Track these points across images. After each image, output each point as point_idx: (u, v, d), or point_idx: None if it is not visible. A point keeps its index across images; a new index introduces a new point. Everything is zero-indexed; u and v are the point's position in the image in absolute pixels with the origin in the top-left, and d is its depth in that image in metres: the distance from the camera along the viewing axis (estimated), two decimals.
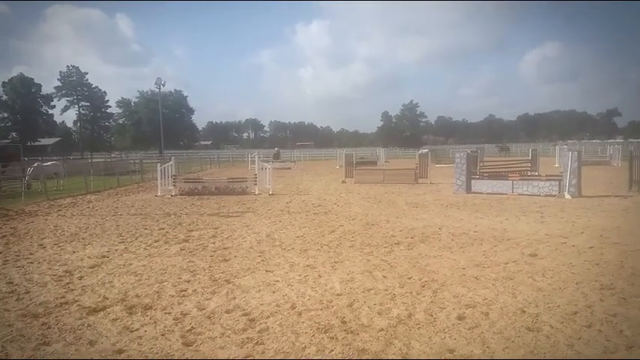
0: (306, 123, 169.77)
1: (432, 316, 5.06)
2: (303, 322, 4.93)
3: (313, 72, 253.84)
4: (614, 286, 5.96)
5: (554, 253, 7.77)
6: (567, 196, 14.95)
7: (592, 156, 38.78)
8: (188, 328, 4.88)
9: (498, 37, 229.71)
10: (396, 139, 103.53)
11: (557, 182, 15.67)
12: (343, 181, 22.86)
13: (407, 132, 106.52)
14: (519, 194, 15.96)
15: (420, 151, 26.08)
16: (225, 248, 8.64)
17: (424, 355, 4.17)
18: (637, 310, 5.09)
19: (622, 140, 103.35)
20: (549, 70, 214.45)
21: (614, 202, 13.98)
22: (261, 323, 4.95)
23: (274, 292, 5.96)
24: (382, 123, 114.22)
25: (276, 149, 54.30)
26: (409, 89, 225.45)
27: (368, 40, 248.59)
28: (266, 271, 7.01)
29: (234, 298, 5.79)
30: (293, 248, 8.53)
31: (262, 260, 7.67)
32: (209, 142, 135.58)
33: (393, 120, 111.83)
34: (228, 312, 5.30)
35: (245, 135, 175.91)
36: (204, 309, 5.42)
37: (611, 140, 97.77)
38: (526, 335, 4.51)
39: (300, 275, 6.72)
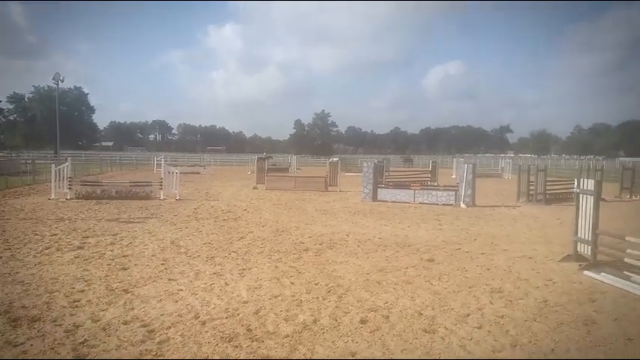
0: (218, 127, 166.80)
1: (336, 320, 5.18)
2: (206, 332, 4.80)
3: (226, 75, 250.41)
4: (502, 289, 6.51)
5: (450, 259, 8.32)
6: (463, 206, 16.10)
7: (486, 169, 42.07)
8: (80, 340, 4.54)
9: (406, 54, 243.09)
10: (308, 146, 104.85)
11: (454, 192, 16.82)
12: (255, 187, 22.68)
13: (318, 140, 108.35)
14: (420, 203, 16.89)
15: (330, 160, 26.61)
16: (124, 256, 8.16)
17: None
18: (521, 311, 5.59)
19: (512, 155, 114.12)
20: (450, 87, 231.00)
21: (504, 211, 15.30)
22: (161, 334, 4.74)
23: (177, 302, 5.74)
24: (295, 130, 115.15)
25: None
26: (322, 98, 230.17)
27: (282, 47, 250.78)
28: (169, 279, 6.73)
29: (133, 308, 5.49)
30: (199, 255, 8.29)
31: (165, 268, 7.35)
32: (111, 144, 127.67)
33: (306, 128, 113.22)
34: (125, 323, 5.01)
35: (151, 137, 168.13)
36: (99, 320, 5.07)
37: (502, 155, 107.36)
38: (423, 337, 4.78)
39: (205, 283, 6.54)
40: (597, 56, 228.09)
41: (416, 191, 17.49)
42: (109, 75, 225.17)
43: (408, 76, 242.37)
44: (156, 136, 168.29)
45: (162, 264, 7.63)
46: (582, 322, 5.25)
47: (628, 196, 20.32)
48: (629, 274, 6.91)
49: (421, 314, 5.42)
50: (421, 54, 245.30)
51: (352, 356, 4.33)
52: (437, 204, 16.64)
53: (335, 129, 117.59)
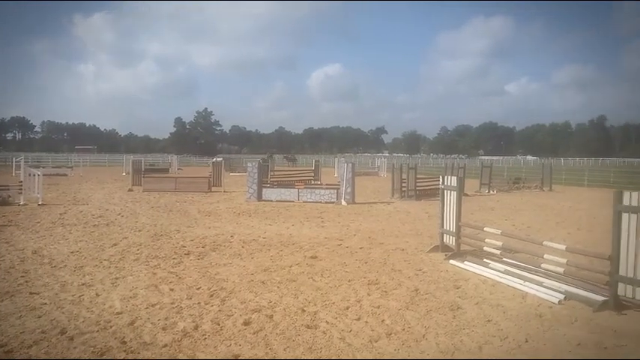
0: (88, 124, 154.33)
1: (218, 324, 5.07)
2: (75, 348, 4.41)
3: (96, 68, 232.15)
4: (379, 281, 6.91)
5: (332, 255, 8.62)
6: (343, 203, 16.79)
7: (364, 167, 44.23)
8: None
9: (288, 55, 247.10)
10: (191, 146, 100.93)
11: (336, 191, 17.49)
12: (130, 190, 21.34)
13: (201, 139, 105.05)
14: (304, 201, 17.27)
15: (214, 160, 26.01)
16: None
17: None
18: (395, 301, 5.97)
19: (387, 154, 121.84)
20: (331, 89, 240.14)
21: (381, 207, 16.24)
22: (21, 354, 4.25)
23: (40, 317, 5.18)
24: (175, 129, 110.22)
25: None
26: (204, 96, 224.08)
27: (160, 41, 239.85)
28: (30, 293, 6.05)
29: None
30: (66, 265, 7.57)
31: (26, 281, 6.60)
32: None
33: (187, 126, 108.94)
34: None
35: (9, 136, 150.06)
36: None
37: (379, 154, 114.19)
38: (305, 333, 4.88)
39: (73, 296, 5.99)
40: (460, 63, 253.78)
41: (300, 190, 17.83)
42: None
43: (291, 76, 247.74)
44: (15, 134, 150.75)
45: (22, 276, 6.83)
46: (449, 307, 5.76)
47: (486, 191, 22.81)
48: (488, 261, 7.76)
49: (304, 311, 5.54)
50: (303, 55, 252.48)
51: (235, 359, 4.28)
52: (320, 202, 17.14)
53: (219, 128, 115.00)
